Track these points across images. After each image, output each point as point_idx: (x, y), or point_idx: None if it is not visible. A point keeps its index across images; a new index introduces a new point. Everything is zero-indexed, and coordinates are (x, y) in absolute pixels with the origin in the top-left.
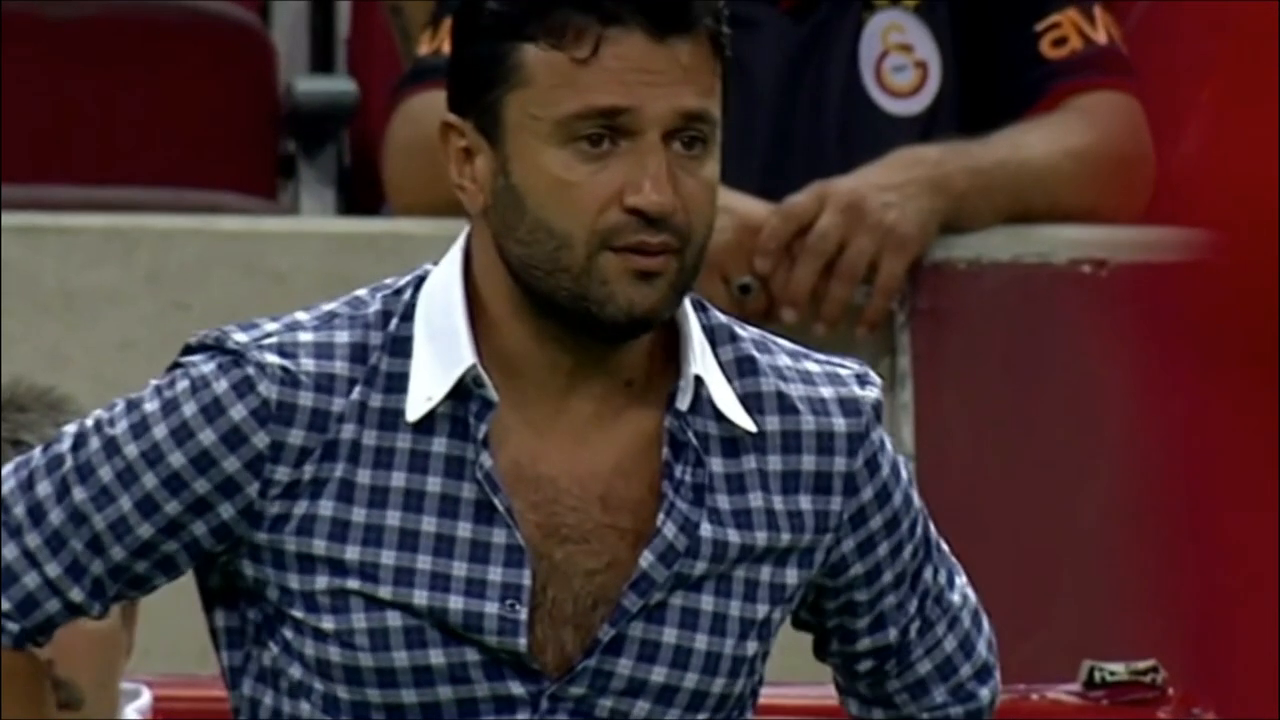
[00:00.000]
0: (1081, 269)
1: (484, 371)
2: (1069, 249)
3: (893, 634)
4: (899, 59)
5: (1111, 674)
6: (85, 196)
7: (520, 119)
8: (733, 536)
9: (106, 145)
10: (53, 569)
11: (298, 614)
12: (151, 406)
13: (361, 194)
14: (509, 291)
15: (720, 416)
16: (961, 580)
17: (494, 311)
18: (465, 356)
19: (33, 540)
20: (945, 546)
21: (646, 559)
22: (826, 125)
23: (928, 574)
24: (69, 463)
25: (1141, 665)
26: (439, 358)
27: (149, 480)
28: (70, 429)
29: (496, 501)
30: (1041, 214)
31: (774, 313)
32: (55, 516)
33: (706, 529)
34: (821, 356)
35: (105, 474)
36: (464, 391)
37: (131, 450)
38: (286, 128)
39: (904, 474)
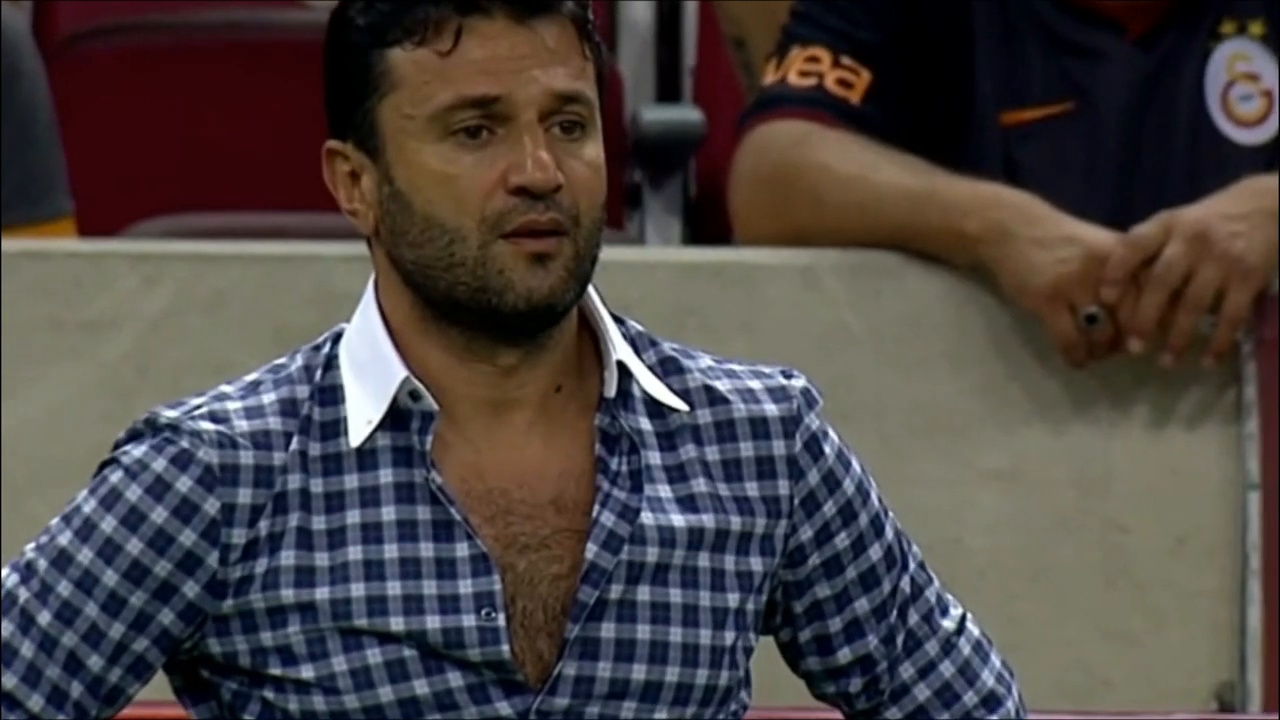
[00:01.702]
0: None
1: (419, 384)
2: None
3: (873, 642)
4: (1245, 88)
5: None
6: None
7: (396, 123)
8: (678, 521)
9: None
10: (35, 703)
11: (275, 671)
12: (90, 507)
13: (708, 224)
14: (413, 308)
15: (652, 413)
16: (959, 611)
17: (407, 335)
18: (397, 373)
19: (8, 682)
20: (936, 579)
21: (590, 549)
22: (1173, 155)
23: (905, 584)
24: (23, 594)
25: None
26: (371, 387)
27: (109, 578)
28: (6, 570)
29: (453, 513)
30: None
31: (1120, 342)
32: (27, 650)
33: (648, 516)
34: (744, 361)
35: (64, 589)
36: (402, 414)
37: (85, 554)
38: (633, 158)
39: (857, 468)
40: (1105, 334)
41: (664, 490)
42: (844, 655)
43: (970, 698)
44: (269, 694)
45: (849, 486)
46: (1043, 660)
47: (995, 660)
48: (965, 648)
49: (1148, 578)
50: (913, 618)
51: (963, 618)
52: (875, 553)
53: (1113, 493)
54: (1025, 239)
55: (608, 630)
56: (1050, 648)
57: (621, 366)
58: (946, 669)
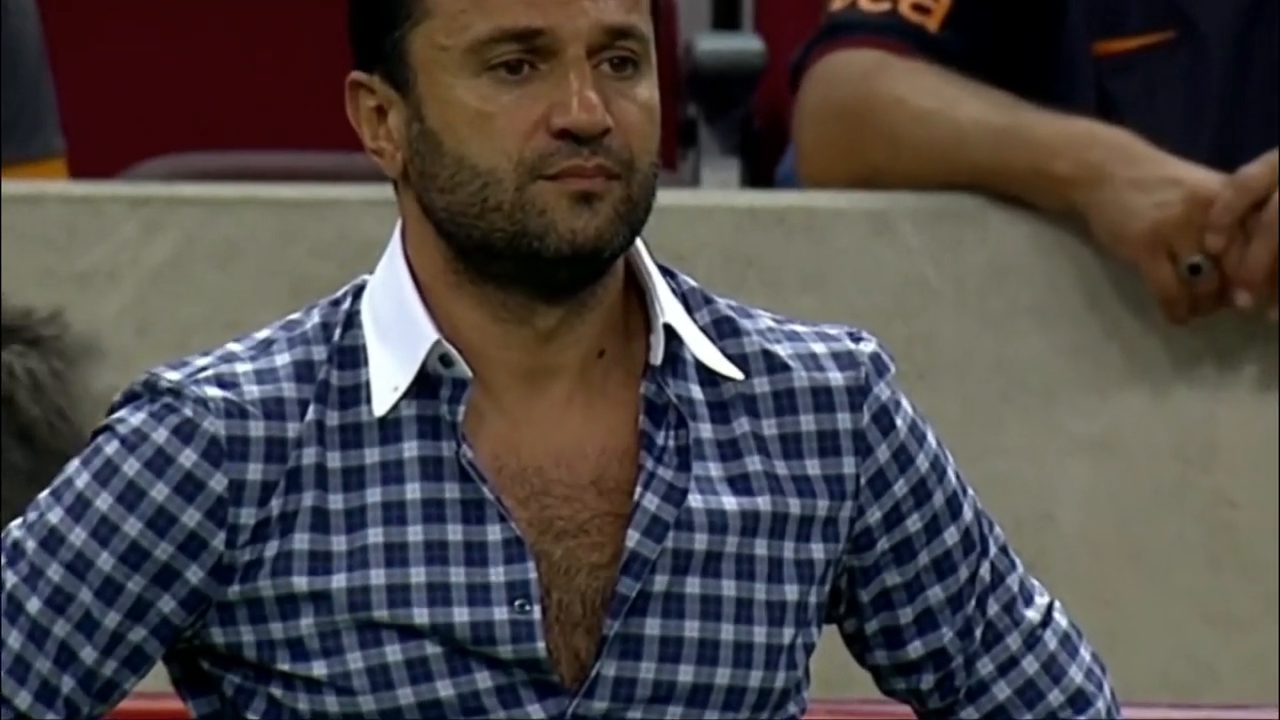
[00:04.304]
0: None
1: (451, 348)
2: None
3: (948, 635)
4: None
5: None
6: None
7: (428, 54)
8: (729, 504)
9: None
10: (23, 699)
11: (284, 666)
12: (84, 481)
13: (769, 164)
14: (445, 261)
15: (704, 380)
16: (1045, 600)
17: (437, 291)
18: (427, 334)
19: None
20: (1020, 564)
21: (632, 537)
22: None
23: (984, 570)
24: (10, 579)
25: None
26: (397, 350)
27: (105, 561)
28: None
29: (485, 492)
30: None
31: (1227, 295)
32: (14, 640)
33: (696, 499)
34: (808, 321)
35: (55, 573)
36: (431, 381)
37: (78, 535)
38: (687, 91)
39: (932, 441)
40: (1210, 286)
41: (714, 469)
42: (915, 649)
43: (1055, 696)
44: (276, 691)
45: (923, 463)
46: (1141, 649)
47: (1085, 654)
48: (1051, 641)
49: (1257, 557)
50: (992, 608)
51: (1049, 607)
52: (951, 536)
53: (1219, 463)
54: (1121, 181)
55: (651, 626)
56: (1150, 635)
57: (669, 329)
58: (1029, 665)
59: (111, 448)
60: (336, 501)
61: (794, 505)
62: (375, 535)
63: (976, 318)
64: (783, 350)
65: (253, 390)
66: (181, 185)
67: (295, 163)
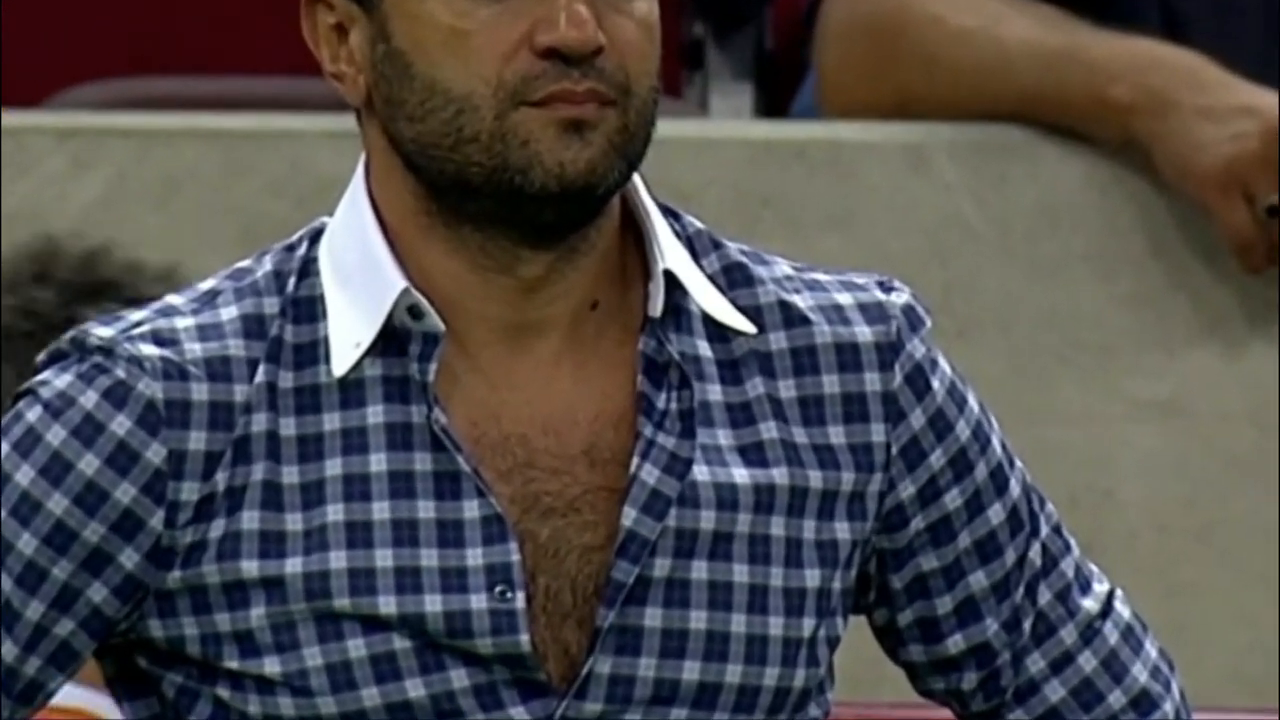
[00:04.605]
0: None
1: (421, 297)
2: None
3: (992, 627)
4: None
5: None
6: None
7: None
8: (740, 476)
9: None
10: None
11: (232, 663)
12: (2, 452)
13: (786, 90)
14: (415, 200)
15: (712, 336)
16: (1104, 587)
17: (406, 235)
18: (394, 283)
19: None
20: (1076, 546)
21: (629, 515)
22: None
23: (1034, 553)
24: None
25: None
26: (360, 301)
27: (26, 544)
28: None
29: (460, 462)
30: None
31: None
32: None
33: (702, 470)
34: (832, 270)
35: None
36: (398, 336)
37: None
38: (692, 6)
39: (974, 405)
40: None
41: (723, 436)
42: (955, 643)
43: (1116, 698)
44: (223, 691)
45: (963, 430)
46: (1213, 642)
47: (1150, 649)
48: (1111, 634)
49: None
50: (1044, 597)
51: (1109, 595)
52: (996, 514)
53: None
54: (1189, 109)
55: (652, 617)
56: (1223, 627)
57: (671, 277)
58: (1086, 662)
59: (34, 414)
60: (291, 474)
61: (815, 478)
62: (335, 513)
63: (1024, 265)
64: (802, 301)
65: (195, 348)
66: (115, 114)
67: (243, 89)
